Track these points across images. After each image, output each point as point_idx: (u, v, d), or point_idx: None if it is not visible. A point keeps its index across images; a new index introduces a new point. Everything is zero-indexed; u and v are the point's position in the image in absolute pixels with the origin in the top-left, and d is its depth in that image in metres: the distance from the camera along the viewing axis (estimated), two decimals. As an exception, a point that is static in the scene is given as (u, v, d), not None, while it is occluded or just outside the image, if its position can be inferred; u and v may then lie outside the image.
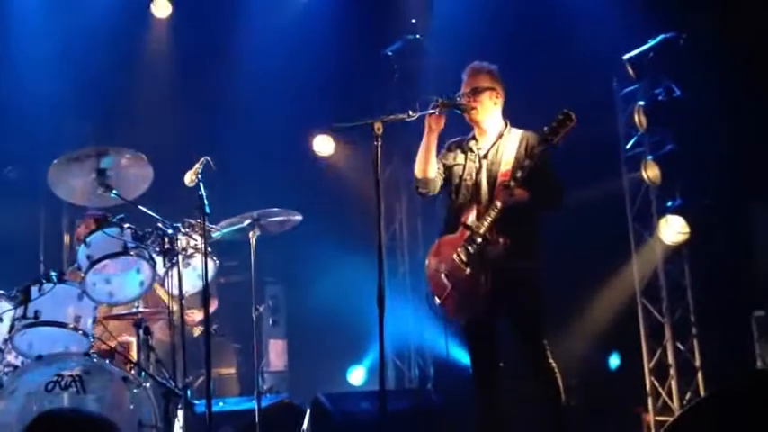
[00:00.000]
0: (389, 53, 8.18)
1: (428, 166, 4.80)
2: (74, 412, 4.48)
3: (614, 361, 7.75)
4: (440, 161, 4.89)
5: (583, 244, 7.14)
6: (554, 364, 4.64)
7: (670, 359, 7.19)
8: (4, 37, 8.06)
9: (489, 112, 4.85)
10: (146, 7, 8.51)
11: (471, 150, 4.87)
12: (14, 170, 8.07)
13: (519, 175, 4.55)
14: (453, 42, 7.61)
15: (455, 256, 4.67)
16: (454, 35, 7.74)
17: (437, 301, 4.77)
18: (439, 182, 4.88)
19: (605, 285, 7.58)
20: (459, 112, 4.79)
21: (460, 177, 4.84)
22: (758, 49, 6.32)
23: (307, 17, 8.56)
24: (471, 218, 4.69)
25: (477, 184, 4.78)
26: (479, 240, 4.59)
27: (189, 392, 5.26)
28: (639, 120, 7.30)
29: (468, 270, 4.63)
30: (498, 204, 4.56)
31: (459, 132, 4.99)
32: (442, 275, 4.73)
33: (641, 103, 7.31)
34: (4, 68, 7.95)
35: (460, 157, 4.89)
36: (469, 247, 4.62)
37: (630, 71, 7.27)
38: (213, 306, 7.08)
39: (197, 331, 6.78)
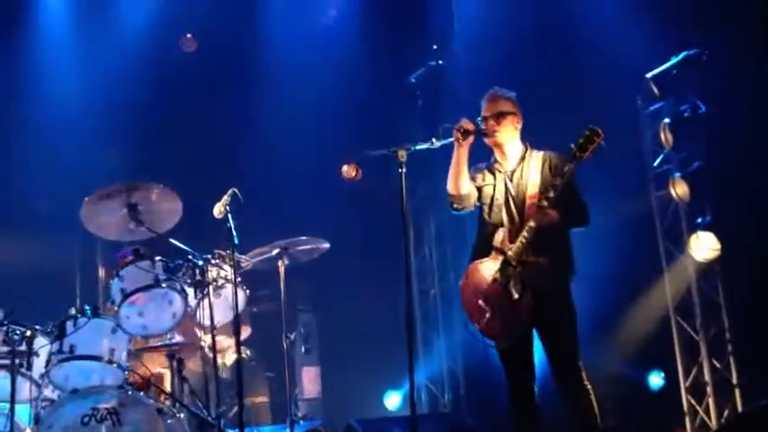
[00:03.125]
0: (413, 80, 8.23)
1: (460, 181, 4.81)
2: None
3: (656, 380, 7.65)
4: (470, 181, 4.91)
5: (613, 263, 7.10)
6: (589, 386, 4.63)
7: (707, 377, 7.10)
8: (34, 69, 8.24)
9: (511, 136, 4.89)
10: (174, 41, 8.66)
11: (499, 171, 4.90)
12: (46, 203, 8.19)
13: (551, 194, 4.57)
14: (476, 67, 7.65)
15: (492, 279, 4.69)
16: (476, 59, 7.79)
17: (476, 326, 4.77)
18: (473, 198, 4.90)
19: (637, 305, 7.52)
20: (481, 136, 4.82)
21: (492, 197, 4.87)
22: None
23: (331, 45, 8.65)
24: (504, 240, 4.70)
25: (506, 206, 4.80)
26: (514, 262, 4.61)
27: (222, 422, 5.28)
28: (665, 137, 7.28)
29: (507, 292, 4.63)
30: (532, 224, 4.58)
31: (479, 158, 5.01)
32: (480, 301, 4.73)
33: (667, 120, 7.29)
34: (35, 101, 8.12)
35: (489, 178, 4.92)
36: (506, 270, 4.64)
37: (654, 89, 7.26)
38: (246, 333, 7.13)
39: (228, 360, 6.82)
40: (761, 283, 6.80)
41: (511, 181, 4.84)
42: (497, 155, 4.94)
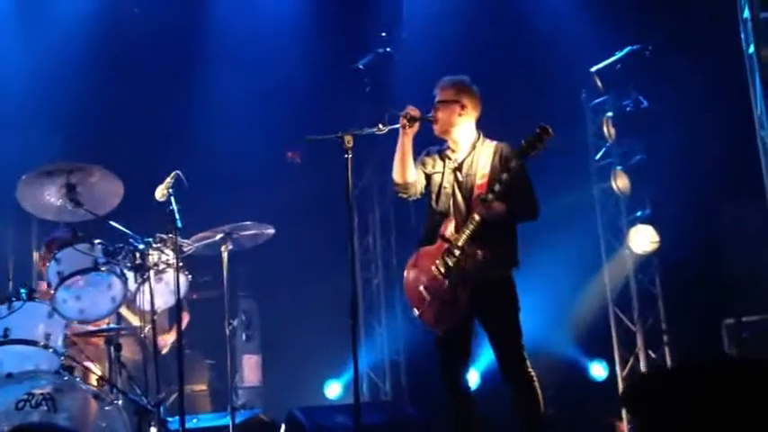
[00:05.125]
0: (360, 66, 8.20)
1: (406, 169, 4.79)
2: (47, 427, 4.45)
3: (598, 371, 7.76)
4: (418, 166, 4.89)
5: (554, 254, 7.18)
6: (533, 373, 4.65)
7: (642, 367, 7.25)
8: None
9: (454, 125, 4.86)
10: (118, 21, 8.47)
11: (449, 158, 4.89)
12: None
13: (497, 188, 4.57)
14: (424, 55, 7.65)
15: (434, 268, 4.69)
16: (425, 48, 7.79)
17: (416, 312, 4.78)
18: (419, 186, 4.88)
19: (578, 295, 7.63)
20: (428, 123, 4.82)
21: (440, 186, 4.86)
22: (722, 58, 6.43)
23: (278, 31, 8.56)
24: (449, 229, 4.70)
25: (453, 196, 4.80)
26: (457, 252, 4.61)
27: (162, 409, 5.20)
28: (608, 130, 7.41)
29: (447, 282, 4.64)
30: (476, 217, 4.58)
31: (434, 141, 5.00)
32: (421, 287, 4.74)
33: (610, 114, 7.41)
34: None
35: (439, 165, 4.90)
36: (448, 259, 4.64)
37: (598, 83, 7.37)
38: (184, 321, 7.03)
39: (165, 348, 6.73)
40: (697, 275, 6.98)
41: (460, 170, 4.83)
42: (449, 143, 4.94)
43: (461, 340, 4.78)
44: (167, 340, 6.72)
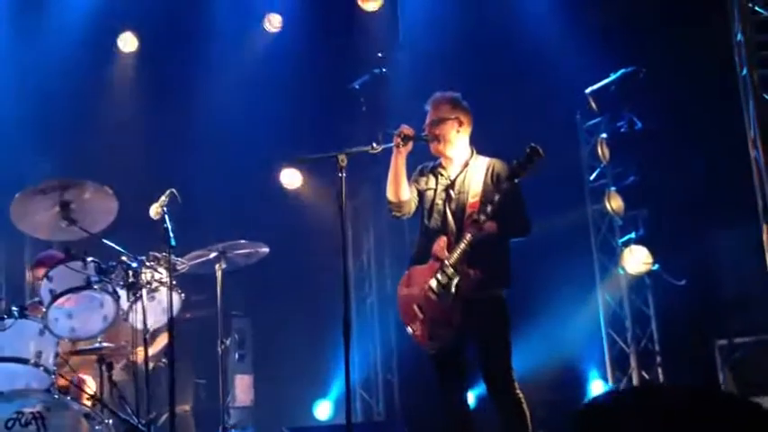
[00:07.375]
0: (356, 86, 8.24)
1: (400, 188, 4.80)
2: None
3: (599, 388, 7.74)
4: (412, 184, 4.90)
5: (548, 275, 7.18)
6: (521, 395, 4.62)
7: (636, 388, 7.23)
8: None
9: (453, 141, 4.86)
10: (111, 41, 8.49)
11: (442, 175, 4.89)
12: None
13: (489, 209, 4.56)
14: (419, 76, 7.69)
15: (426, 286, 4.67)
16: (420, 69, 7.83)
17: (409, 330, 4.76)
18: (413, 204, 4.88)
19: (570, 316, 7.62)
20: (422, 142, 4.82)
21: (432, 202, 4.85)
22: (716, 80, 6.47)
23: (274, 51, 8.60)
24: (441, 248, 4.69)
25: (445, 214, 4.79)
26: (450, 272, 4.61)
27: (152, 429, 5.16)
28: (602, 152, 7.44)
29: (439, 301, 4.63)
30: (468, 237, 4.57)
31: (428, 158, 5.00)
32: (414, 306, 4.73)
33: (604, 135, 7.45)
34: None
35: (432, 182, 4.90)
36: (440, 278, 4.63)
37: (593, 104, 7.40)
38: (163, 342, 6.96)
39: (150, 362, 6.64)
40: (690, 296, 6.98)
41: (452, 188, 4.82)
42: (442, 160, 4.94)
43: (456, 359, 4.76)
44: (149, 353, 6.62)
